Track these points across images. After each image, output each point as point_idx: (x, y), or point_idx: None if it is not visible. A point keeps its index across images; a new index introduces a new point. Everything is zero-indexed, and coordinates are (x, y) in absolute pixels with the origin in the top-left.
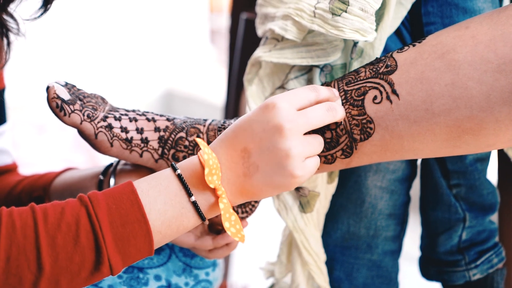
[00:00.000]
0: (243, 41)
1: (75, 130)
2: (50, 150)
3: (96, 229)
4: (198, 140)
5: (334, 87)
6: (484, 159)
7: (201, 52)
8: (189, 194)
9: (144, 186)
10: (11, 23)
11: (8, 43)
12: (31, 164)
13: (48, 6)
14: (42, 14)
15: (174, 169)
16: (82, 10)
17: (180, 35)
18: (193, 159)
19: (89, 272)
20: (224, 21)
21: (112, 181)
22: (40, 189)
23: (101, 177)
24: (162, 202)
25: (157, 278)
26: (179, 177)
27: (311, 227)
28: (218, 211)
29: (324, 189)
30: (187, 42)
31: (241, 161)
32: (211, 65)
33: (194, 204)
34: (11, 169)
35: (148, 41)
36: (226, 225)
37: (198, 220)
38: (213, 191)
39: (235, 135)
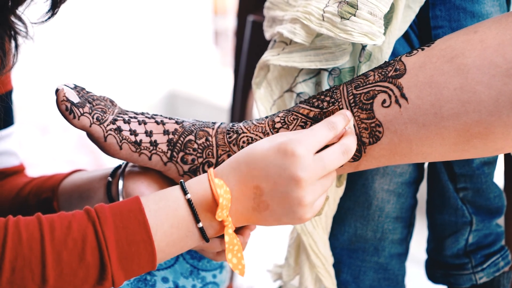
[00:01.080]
0: (250, 43)
1: (78, 131)
2: (53, 151)
3: (102, 247)
4: (214, 183)
5: (343, 90)
6: (491, 162)
7: (204, 54)
8: (197, 221)
9: (152, 206)
10: (19, 25)
11: (16, 46)
12: (34, 165)
13: (56, 10)
14: (49, 17)
15: (184, 192)
16: (86, 12)
17: (184, 37)
18: (204, 182)
19: (91, 286)
20: (228, 22)
21: (120, 183)
22: (49, 191)
23: (110, 178)
24: (169, 225)
25: (165, 280)
26: (189, 202)
27: (319, 230)
28: (222, 233)
29: (333, 192)
30: (191, 43)
31: (252, 196)
32: (215, 66)
33: (201, 229)
34: (18, 170)
35: (152, 43)
36: (228, 256)
37: (202, 241)
38: (221, 221)
39: (249, 171)
